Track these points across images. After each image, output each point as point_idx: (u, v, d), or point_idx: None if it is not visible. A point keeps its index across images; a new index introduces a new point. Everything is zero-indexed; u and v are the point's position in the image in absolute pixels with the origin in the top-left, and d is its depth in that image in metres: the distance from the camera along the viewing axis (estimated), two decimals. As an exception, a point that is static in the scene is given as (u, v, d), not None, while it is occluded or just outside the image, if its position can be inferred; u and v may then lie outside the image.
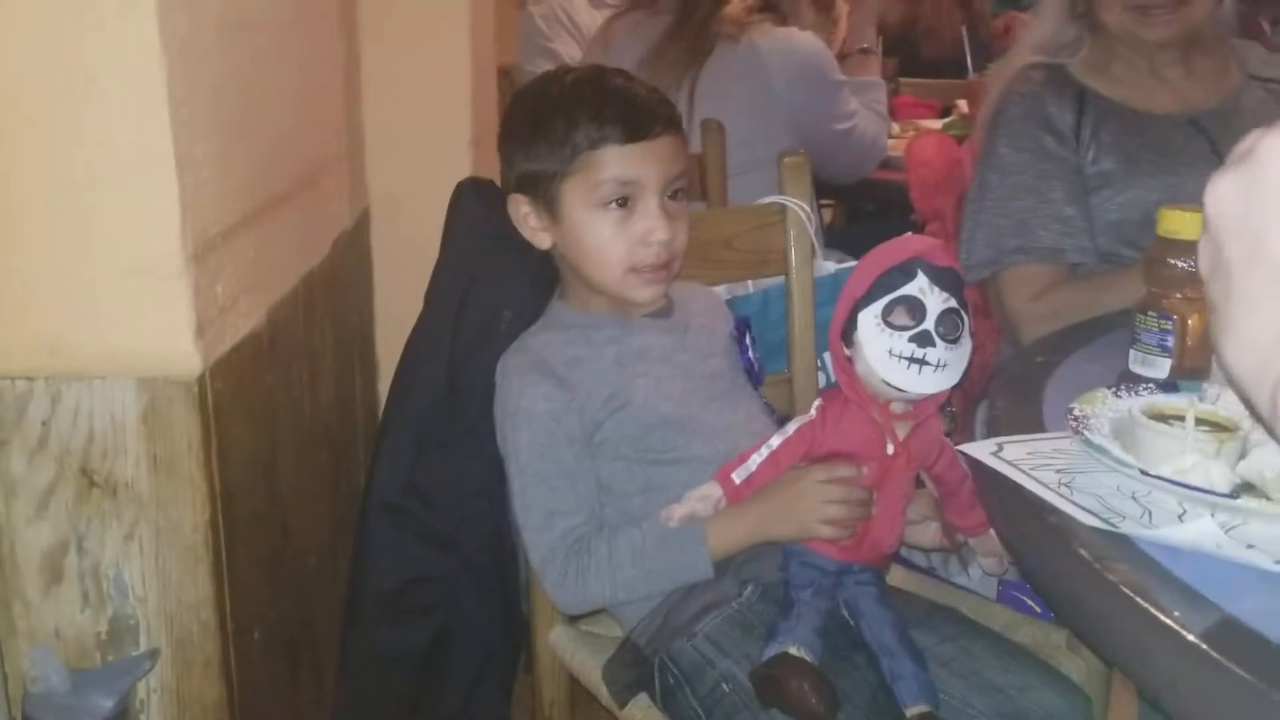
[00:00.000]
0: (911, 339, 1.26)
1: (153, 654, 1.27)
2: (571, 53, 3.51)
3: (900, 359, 1.26)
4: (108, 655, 1.27)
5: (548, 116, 1.46)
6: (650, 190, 1.44)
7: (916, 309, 1.26)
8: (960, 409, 2.05)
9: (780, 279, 1.80)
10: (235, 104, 1.36)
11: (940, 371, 1.27)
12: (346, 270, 1.92)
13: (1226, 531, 0.93)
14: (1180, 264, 1.28)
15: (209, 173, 1.25)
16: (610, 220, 1.44)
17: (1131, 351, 1.32)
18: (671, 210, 1.46)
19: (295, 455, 1.58)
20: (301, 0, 1.70)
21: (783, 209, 1.77)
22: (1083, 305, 1.80)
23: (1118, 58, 2.02)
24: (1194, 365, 1.27)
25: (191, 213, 1.21)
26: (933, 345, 1.26)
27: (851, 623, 1.36)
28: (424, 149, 2.15)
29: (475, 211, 1.63)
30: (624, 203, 1.44)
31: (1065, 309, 1.85)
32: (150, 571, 1.26)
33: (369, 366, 2.11)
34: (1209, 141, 1.95)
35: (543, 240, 1.51)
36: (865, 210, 3.89)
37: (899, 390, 1.28)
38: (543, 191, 1.47)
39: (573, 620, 1.59)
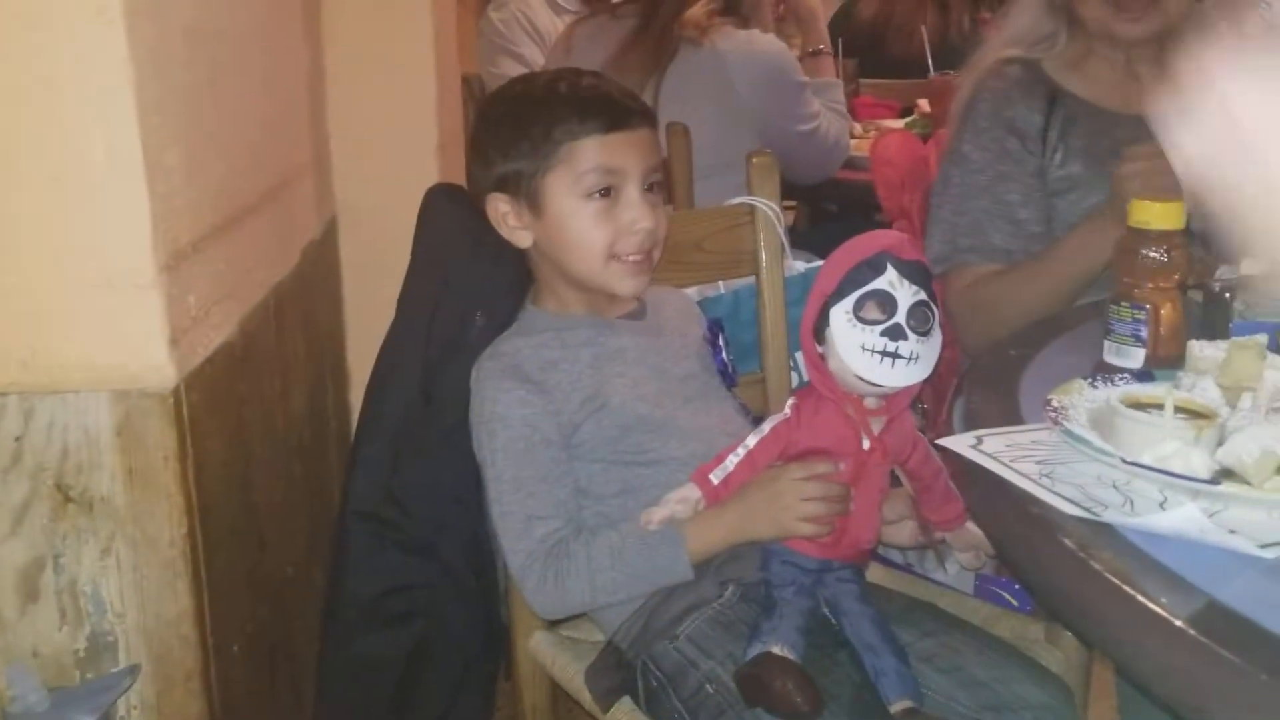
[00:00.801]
0: (883, 333, 1.26)
1: (132, 670, 1.26)
2: (533, 57, 3.49)
3: (873, 353, 1.26)
4: (87, 673, 1.26)
5: (527, 114, 1.47)
6: (632, 179, 1.46)
7: (887, 303, 1.27)
8: (931, 405, 2.05)
9: (751, 279, 1.81)
10: (203, 113, 1.35)
11: (913, 364, 1.27)
12: (316, 279, 1.91)
13: (1209, 517, 0.93)
14: (1152, 254, 1.29)
15: (179, 181, 1.25)
16: (593, 210, 1.45)
17: (1105, 342, 1.33)
18: (651, 201, 1.48)
19: (270, 466, 1.57)
20: (266, 10, 1.69)
21: (752, 209, 1.78)
22: (1006, 295, 1.84)
23: (1095, 54, 2.01)
24: (1168, 354, 1.28)
25: (162, 222, 1.20)
26: (904, 338, 1.26)
27: (833, 620, 1.36)
28: (390, 156, 2.14)
29: (446, 217, 1.62)
30: (607, 193, 1.46)
31: (992, 300, 1.88)
32: (128, 587, 1.25)
33: (340, 376, 2.10)
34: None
35: (522, 239, 1.51)
36: (828, 211, 3.89)
37: (872, 384, 1.28)
38: (524, 189, 1.48)
39: (553, 625, 1.58)
